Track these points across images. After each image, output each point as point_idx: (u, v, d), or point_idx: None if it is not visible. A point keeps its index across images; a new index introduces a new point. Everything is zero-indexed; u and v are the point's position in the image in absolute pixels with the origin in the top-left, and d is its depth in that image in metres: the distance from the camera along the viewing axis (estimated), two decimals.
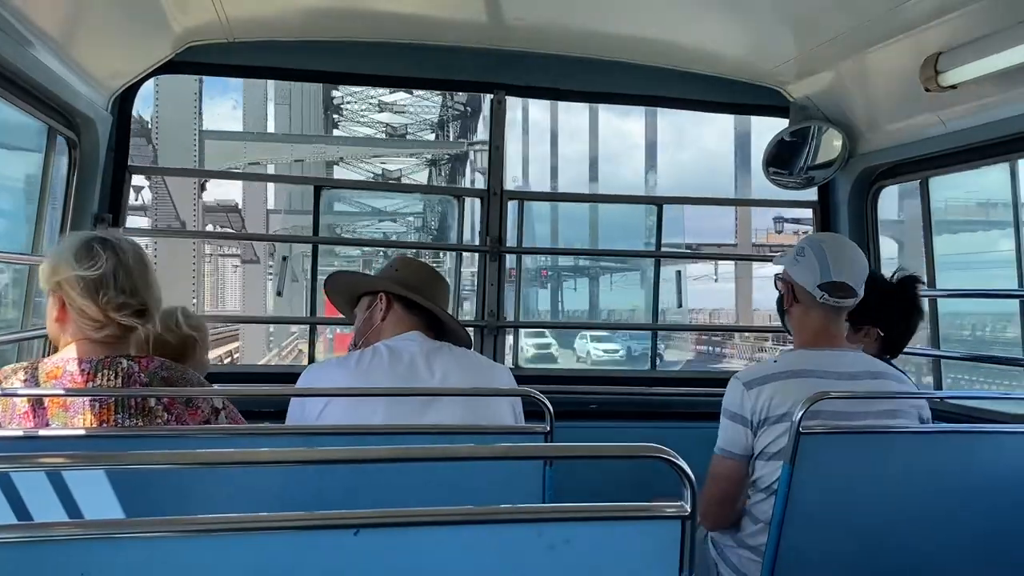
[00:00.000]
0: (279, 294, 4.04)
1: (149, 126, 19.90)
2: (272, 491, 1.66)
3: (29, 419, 1.77)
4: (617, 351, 32.34)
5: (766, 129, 3.68)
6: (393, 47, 3.39)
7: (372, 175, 44.02)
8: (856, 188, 3.57)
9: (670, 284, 4.40)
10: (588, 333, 33.52)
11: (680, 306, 4.89)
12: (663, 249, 4.13)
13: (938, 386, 3.55)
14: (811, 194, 3.80)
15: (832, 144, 3.49)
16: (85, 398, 1.79)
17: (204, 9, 2.91)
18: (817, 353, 2.40)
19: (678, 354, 34.03)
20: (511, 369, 3.25)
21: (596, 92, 3.77)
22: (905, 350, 2.98)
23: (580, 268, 38.93)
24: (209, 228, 30.37)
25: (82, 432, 1.76)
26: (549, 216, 33.40)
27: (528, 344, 32.28)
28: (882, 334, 2.79)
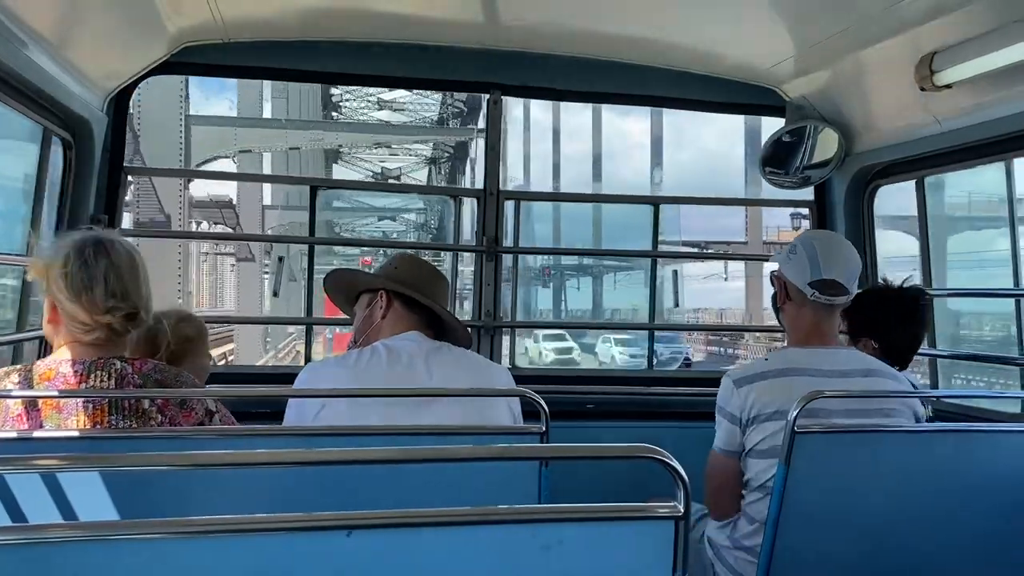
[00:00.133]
0: (275, 294, 4.03)
1: (130, 110, 19.10)
2: (267, 492, 1.66)
3: (23, 421, 1.76)
4: (642, 357, 30.54)
5: (774, 127, 3.68)
6: (389, 47, 3.39)
7: (371, 173, 43.99)
8: (852, 187, 3.58)
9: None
10: (612, 336, 32.05)
11: (677, 305, 4.89)
12: (661, 249, 4.14)
13: (934, 385, 3.56)
14: (808, 193, 3.81)
15: (828, 143, 3.50)
16: (79, 400, 1.79)
17: (199, 9, 2.90)
18: (809, 351, 2.40)
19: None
20: (508, 369, 3.26)
21: (592, 92, 3.78)
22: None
23: (584, 267, 38.59)
24: (204, 225, 29.74)
25: (76, 434, 1.75)
26: (551, 215, 33.28)
27: (547, 348, 31.33)
28: (876, 346, 2.75)
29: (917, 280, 3.42)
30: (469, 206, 3.94)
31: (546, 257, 35.71)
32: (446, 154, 44.77)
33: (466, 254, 4.55)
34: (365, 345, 2.31)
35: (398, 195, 42.62)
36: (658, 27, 3.24)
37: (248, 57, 3.33)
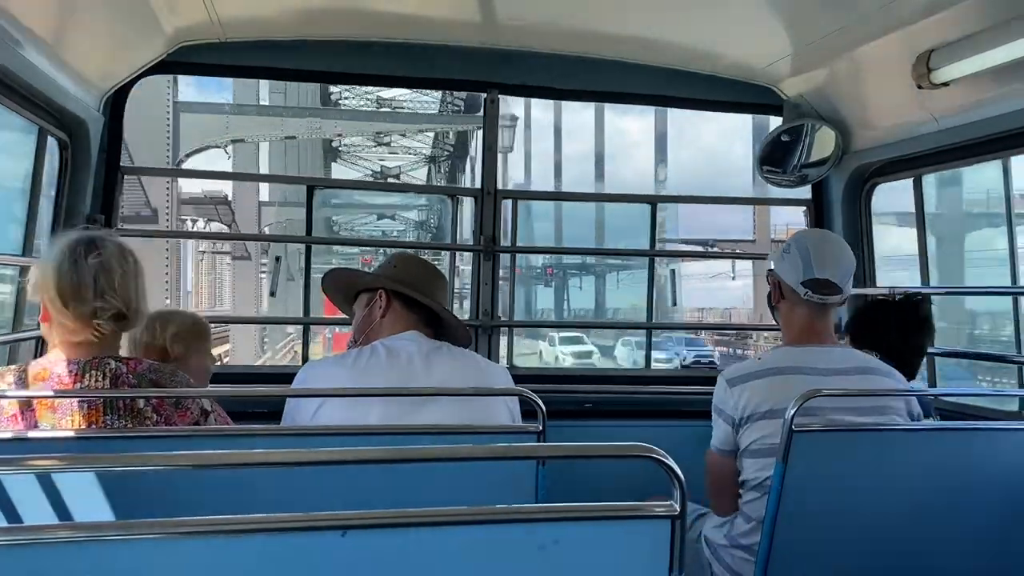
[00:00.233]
0: (272, 294, 4.03)
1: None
2: (263, 492, 1.66)
3: (17, 421, 1.76)
4: (670, 361, 27.76)
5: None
6: (386, 46, 3.39)
7: (370, 172, 43.89)
8: (849, 186, 3.58)
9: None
10: (632, 338, 30.05)
11: (674, 305, 4.89)
12: (664, 248, 4.13)
13: (932, 383, 3.56)
14: (805, 192, 3.81)
15: (825, 142, 3.50)
16: (73, 400, 1.79)
17: (195, 9, 2.90)
18: (803, 350, 2.40)
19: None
20: (506, 368, 3.26)
21: (590, 91, 3.77)
22: None
23: (587, 266, 38.18)
24: (200, 223, 29.03)
25: (71, 434, 1.75)
26: (553, 215, 33.00)
27: (564, 351, 29.99)
28: (880, 357, 2.69)
29: (916, 280, 3.43)
30: (468, 205, 3.93)
31: (548, 256, 35.56)
32: (446, 152, 44.64)
33: (466, 253, 4.54)
34: (364, 344, 2.31)
35: (397, 195, 42.37)
36: (655, 26, 3.24)
37: (245, 56, 3.33)
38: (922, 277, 3.45)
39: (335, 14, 3.18)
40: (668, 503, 1.14)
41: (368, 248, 31.06)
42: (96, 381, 1.82)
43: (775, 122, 3.70)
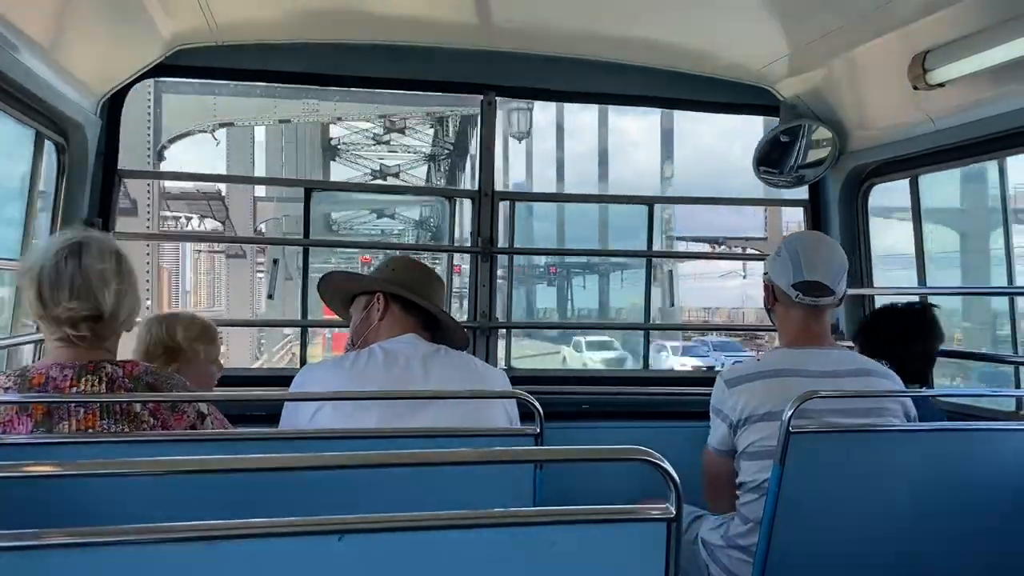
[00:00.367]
0: (270, 297, 4.02)
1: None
2: (260, 496, 1.66)
3: (14, 426, 1.76)
4: (712, 367, 25.12)
5: None
6: (382, 49, 3.39)
7: (369, 170, 43.76)
8: (846, 186, 3.58)
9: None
10: (668, 344, 28.65)
11: (672, 305, 4.90)
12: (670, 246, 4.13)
13: (931, 385, 3.56)
14: (802, 192, 3.81)
15: (822, 143, 3.51)
16: (70, 404, 1.79)
17: (191, 13, 2.90)
18: (800, 352, 2.41)
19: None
20: (503, 369, 3.26)
21: (586, 92, 3.78)
22: None
23: (590, 265, 37.75)
24: (195, 220, 28.23)
25: (68, 438, 1.75)
26: (555, 215, 32.77)
27: (593, 357, 28.33)
28: (890, 366, 2.65)
29: (914, 280, 3.44)
30: (467, 205, 3.93)
31: (551, 256, 35.38)
32: (445, 151, 44.56)
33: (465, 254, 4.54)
34: (362, 347, 2.31)
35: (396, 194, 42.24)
36: (651, 28, 3.24)
37: (241, 59, 3.33)
38: (919, 277, 3.45)
39: (332, 17, 3.18)
40: (663, 506, 1.14)
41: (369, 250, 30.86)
42: (92, 386, 1.82)
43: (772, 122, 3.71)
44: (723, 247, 30.12)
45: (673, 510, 1.14)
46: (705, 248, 30.74)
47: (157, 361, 2.47)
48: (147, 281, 16.35)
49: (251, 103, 22.23)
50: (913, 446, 2.13)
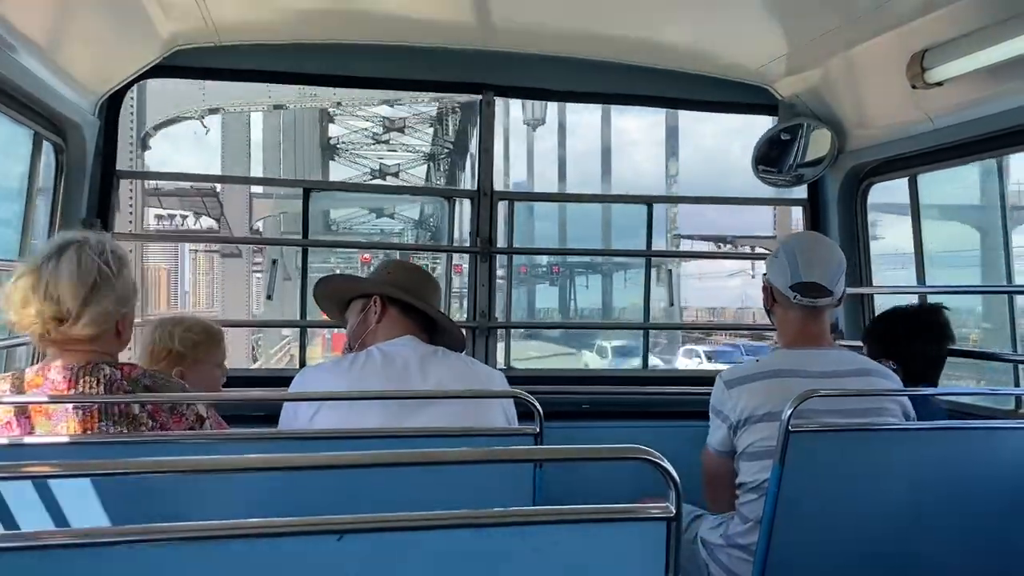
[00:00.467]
0: (269, 298, 4.02)
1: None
2: (259, 497, 1.66)
3: (12, 428, 1.76)
4: None
5: None
6: (381, 48, 3.39)
7: (369, 169, 43.69)
8: (845, 185, 3.58)
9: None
10: (702, 350, 28.36)
11: (671, 304, 4.89)
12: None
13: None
14: (801, 192, 3.81)
15: (821, 142, 3.50)
16: (68, 406, 1.79)
17: (190, 13, 2.90)
18: (799, 353, 2.41)
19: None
20: (502, 369, 3.26)
21: (583, 92, 3.78)
22: None
23: (593, 265, 37.48)
24: (191, 218, 27.58)
25: (66, 439, 1.75)
26: (556, 215, 32.57)
27: (619, 366, 26.71)
28: (896, 367, 2.67)
29: (913, 278, 3.43)
30: (466, 205, 3.93)
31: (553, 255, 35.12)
32: (445, 150, 44.50)
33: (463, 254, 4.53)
34: (360, 351, 2.31)
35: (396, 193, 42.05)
36: (650, 27, 3.24)
37: (240, 60, 3.33)
38: (918, 276, 3.45)
39: (330, 17, 3.18)
40: (663, 505, 1.14)
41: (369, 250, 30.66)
42: (90, 387, 1.82)
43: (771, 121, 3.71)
44: (730, 246, 29.42)
45: (673, 509, 1.14)
46: (711, 247, 30.18)
47: (161, 364, 2.47)
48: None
49: (242, 87, 20.56)
50: (912, 445, 2.14)
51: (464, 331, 3.45)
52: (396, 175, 44.09)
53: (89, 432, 1.78)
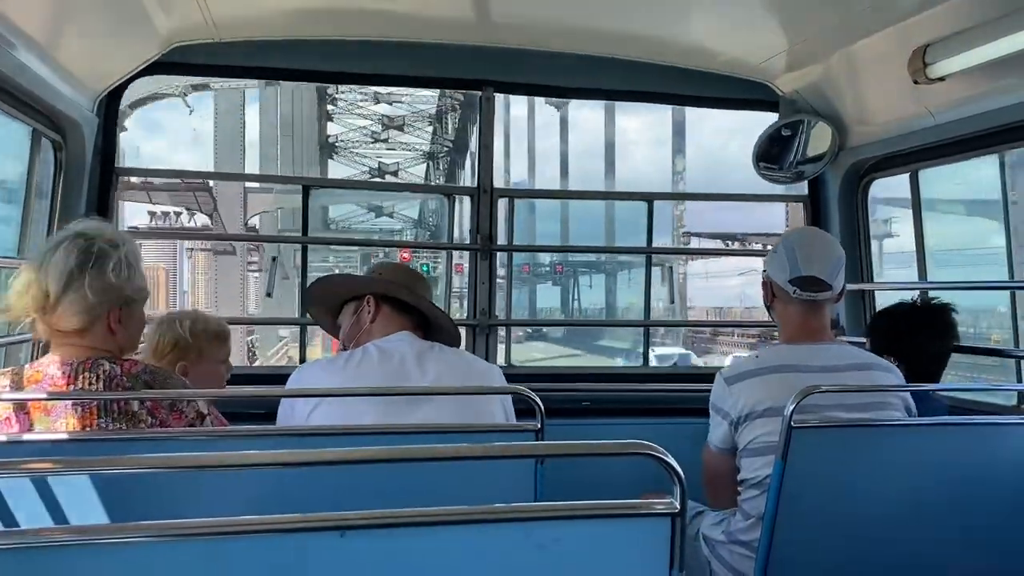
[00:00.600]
0: (269, 295, 4.02)
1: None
2: (260, 494, 1.65)
3: (11, 425, 1.75)
4: None
5: None
6: (380, 45, 3.38)
7: (368, 168, 43.64)
8: (846, 182, 3.58)
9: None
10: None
11: (672, 303, 4.89)
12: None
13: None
14: (802, 188, 3.81)
15: (822, 138, 3.50)
16: (67, 402, 1.78)
17: (189, 9, 2.89)
18: (798, 348, 2.41)
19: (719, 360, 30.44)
20: (502, 367, 3.25)
21: (583, 88, 3.77)
22: None
23: (597, 263, 37.48)
24: (184, 215, 26.76)
25: (65, 436, 1.74)
26: (559, 213, 32.43)
27: None
28: (898, 364, 2.64)
29: (914, 276, 3.43)
30: (467, 203, 3.93)
31: (556, 254, 34.99)
32: (444, 148, 44.46)
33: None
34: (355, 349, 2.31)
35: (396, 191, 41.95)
36: (650, 23, 3.23)
37: (239, 56, 3.32)
38: (919, 272, 3.44)
39: (329, 13, 3.17)
40: (668, 500, 1.14)
41: (367, 248, 30.55)
42: (90, 384, 1.81)
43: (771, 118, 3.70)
44: (740, 244, 29.21)
45: (678, 505, 1.13)
46: (719, 245, 29.95)
47: (166, 359, 2.47)
48: None
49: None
50: (915, 441, 2.13)
51: (464, 329, 3.46)
52: (395, 174, 44.03)
53: (88, 428, 1.78)
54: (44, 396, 1.78)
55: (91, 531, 1.07)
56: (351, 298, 2.46)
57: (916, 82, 2.76)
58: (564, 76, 3.60)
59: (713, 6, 3.03)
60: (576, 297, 39.53)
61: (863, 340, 2.98)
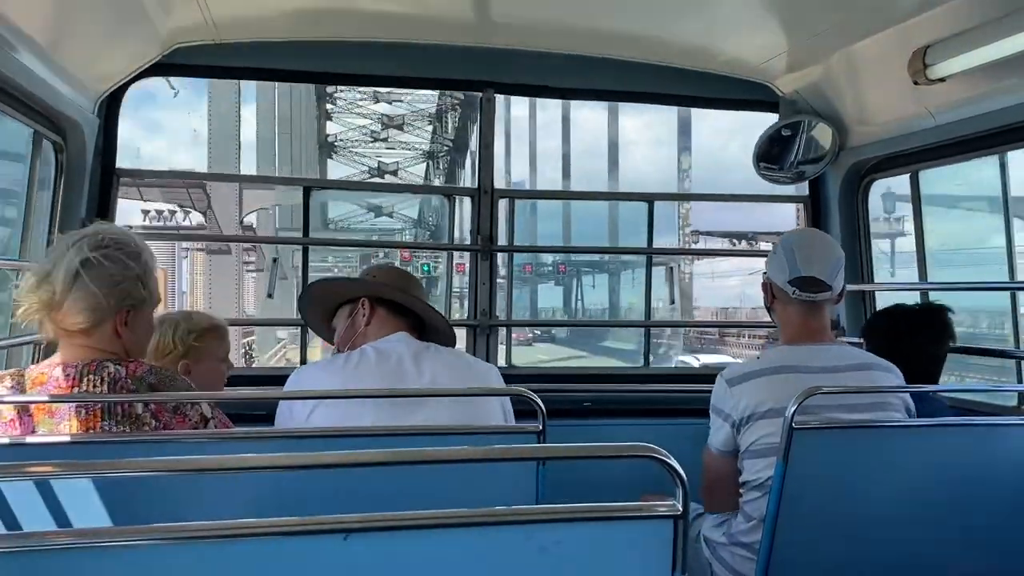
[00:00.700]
0: (270, 296, 4.02)
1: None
2: (263, 496, 1.65)
3: (15, 427, 1.75)
4: None
5: None
6: (381, 46, 3.38)
7: (368, 168, 43.63)
8: (846, 182, 3.57)
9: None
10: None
11: (672, 303, 4.89)
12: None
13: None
14: (802, 189, 3.81)
15: (822, 139, 3.50)
16: (71, 404, 1.78)
17: (189, 10, 2.89)
18: (799, 348, 2.41)
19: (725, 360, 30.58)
20: (503, 368, 3.25)
21: (584, 89, 3.77)
22: None
23: (600, 264, 37.39)
24: (179, 214, 26.29)
25: (68, 439, 1.74)
26: (561, 213, 32.34)
27: None
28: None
29: (914, 276, 3.43)
30: (467, 203, 3.93)
31: (559, 254, 34.91)
32: (444, 148, 44.43)
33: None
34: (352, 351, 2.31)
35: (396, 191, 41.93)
36: (650, 24, 3.23)
37: (239, 58, 3.32)
38: (919, 273, 3.44)
39: (330, 15, 3.17)
40: (670, 502, 1.14)
41: (368, 249, 30.46)
42: (94, 386, 1.81)
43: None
44: (747, 243, 29.46)
45: (680, 507, 1.13)
46: (726, 244, 29.81)
47: (167, 358, 2.47)
48: None
49: None
50: (916, 441, 2.13)
51: (464, 329, 3.46)
52: (395, 173, 44.03)
53: (92, 431, 1.77)
54: (47, 399, 1.78)
55: (93, 534, 1.07)
56: (345, 301, 2.46)
57: (916, 83, 2.76)
58: (564, 77, 3.60)
59: (713, 7, 3.03)
60: (579, 297, 39.49)
61: (862, 341, 2.98)
